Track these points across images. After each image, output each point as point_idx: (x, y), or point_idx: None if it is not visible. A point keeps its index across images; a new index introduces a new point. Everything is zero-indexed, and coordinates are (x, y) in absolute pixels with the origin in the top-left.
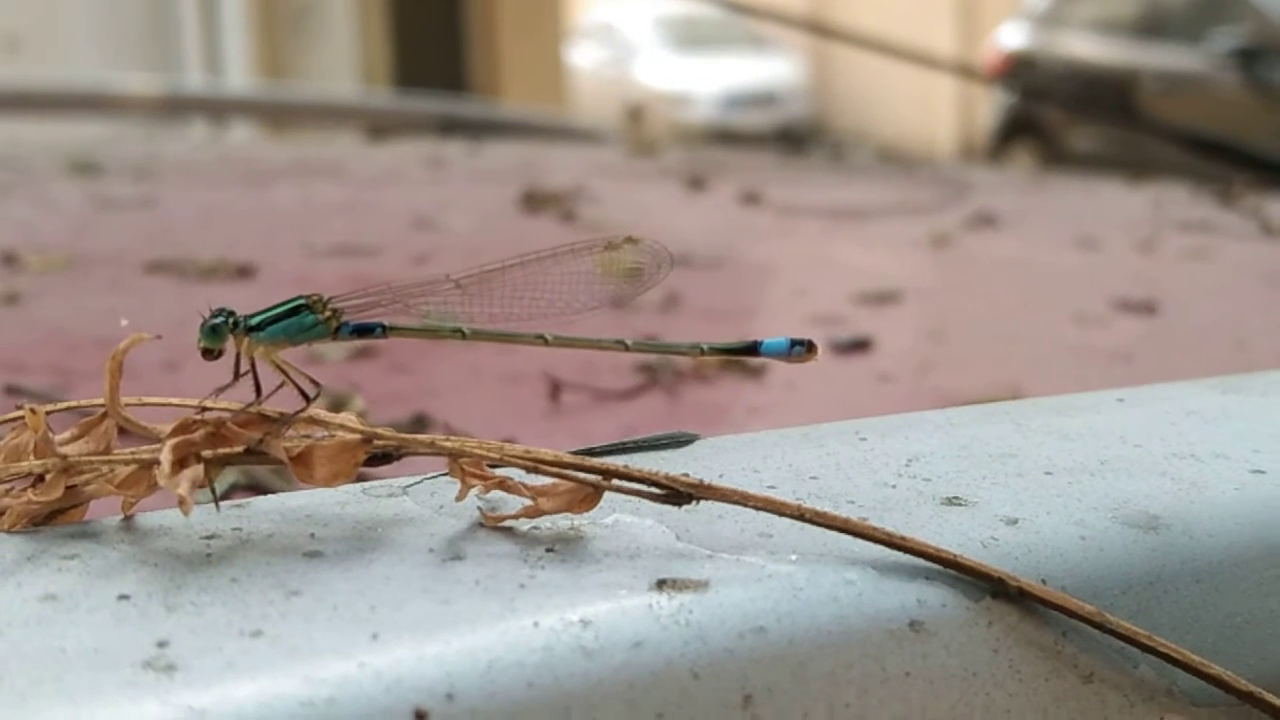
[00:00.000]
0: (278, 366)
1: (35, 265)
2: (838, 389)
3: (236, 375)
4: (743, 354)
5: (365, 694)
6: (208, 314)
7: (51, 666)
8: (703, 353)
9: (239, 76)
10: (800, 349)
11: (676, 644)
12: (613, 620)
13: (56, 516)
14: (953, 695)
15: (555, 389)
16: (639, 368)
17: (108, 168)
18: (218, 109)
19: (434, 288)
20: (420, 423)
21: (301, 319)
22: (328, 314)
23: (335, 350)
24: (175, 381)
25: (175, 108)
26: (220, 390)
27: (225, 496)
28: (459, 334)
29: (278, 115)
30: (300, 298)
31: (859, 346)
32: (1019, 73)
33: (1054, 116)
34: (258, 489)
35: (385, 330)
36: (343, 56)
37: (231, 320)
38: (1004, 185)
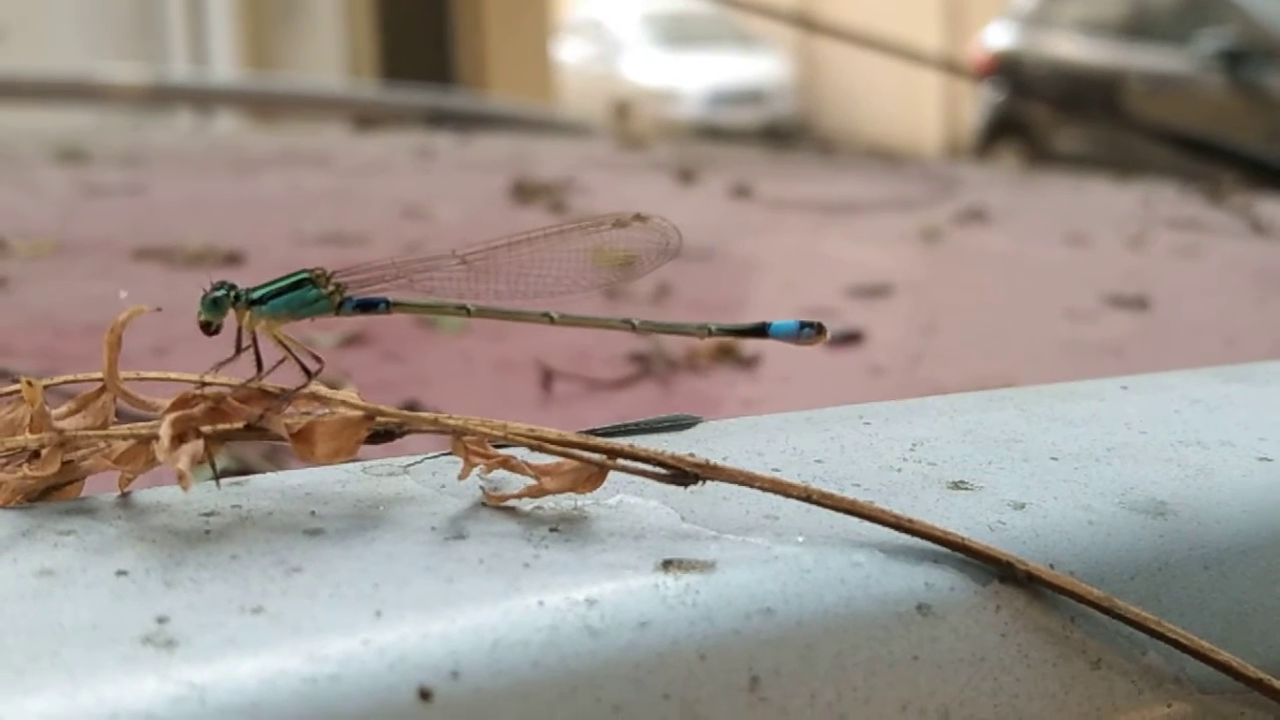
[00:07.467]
0: (279, 341)
1: (23, 251)
2: (830, 381)
3: (238, 349)
4: (751, 335)
5: (369, 671)
6: (208, 287)
7: (49, 641)
8: (710, 333)
9: (225, 67)
10: (810, 331)
11: (683, 624)
12: (618, 600)
13: (52, 492)
14: (960, 679)
15: (547, 378)
16: (631, 357)
17: (95, 155)
18: (204, 99)
19: (439, 263)
20: (411, 410)
21: (305, 293)
22: (331, 288)
23: (326, 336)
24: (165, 366)
25: (161, 97)
26: (220, 365)
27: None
28: (464, 311)
29: (264, 106)
30: (304, 271)
31: (850, 339)
32: (1005, 72)
33: (1040, 117)
34: (247, 473)
35: (389, 305)
36: (329, 48)
37: (233, 293)
38: (992, 182)
